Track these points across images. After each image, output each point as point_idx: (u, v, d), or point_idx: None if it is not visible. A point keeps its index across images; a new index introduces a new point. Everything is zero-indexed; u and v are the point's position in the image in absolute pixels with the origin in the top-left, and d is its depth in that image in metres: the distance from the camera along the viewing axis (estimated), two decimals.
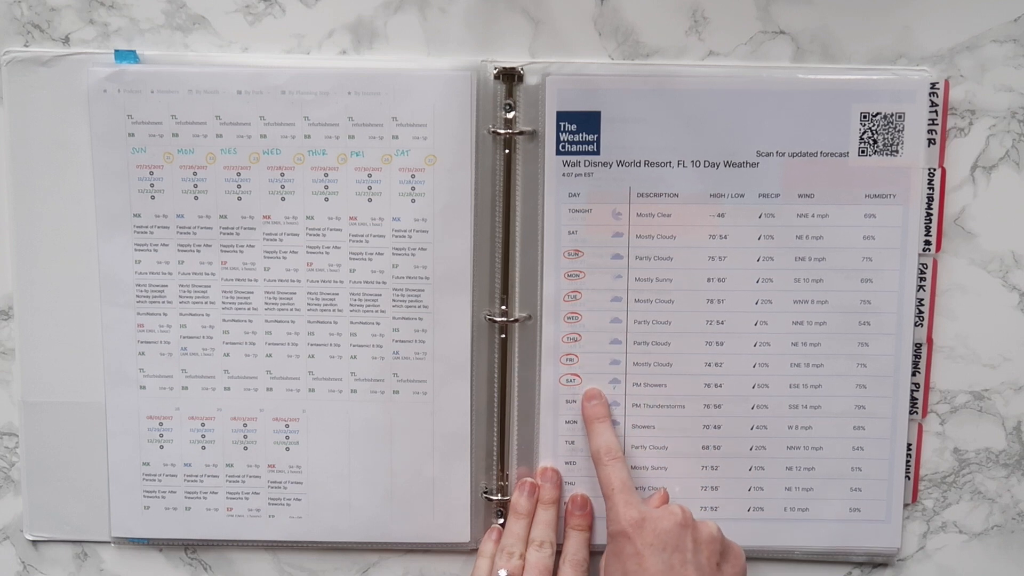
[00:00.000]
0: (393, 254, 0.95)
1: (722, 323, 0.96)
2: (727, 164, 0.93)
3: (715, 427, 0.97)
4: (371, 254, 0.95)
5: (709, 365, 0.96)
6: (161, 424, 0.99)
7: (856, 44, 0.94)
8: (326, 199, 0.95)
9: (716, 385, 0.97)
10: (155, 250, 0.96)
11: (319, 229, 0.95)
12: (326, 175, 0.95)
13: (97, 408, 0.99)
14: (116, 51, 0.94)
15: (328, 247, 0.96)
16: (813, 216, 0.94)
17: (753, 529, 0.99)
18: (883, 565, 1.00)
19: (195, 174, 0.95)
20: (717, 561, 0.89)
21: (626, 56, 0.95)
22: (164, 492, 0.99)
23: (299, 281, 0.96)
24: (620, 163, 0.94)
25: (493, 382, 0.97)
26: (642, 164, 0.94)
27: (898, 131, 0.93)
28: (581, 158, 0.94)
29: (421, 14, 0.95)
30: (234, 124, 0.94)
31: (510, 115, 0.94)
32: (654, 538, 0.88)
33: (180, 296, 0.97)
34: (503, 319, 0.96)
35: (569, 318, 0.96)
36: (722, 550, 0.90)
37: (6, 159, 0.96)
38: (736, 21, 0.95)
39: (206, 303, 0.97)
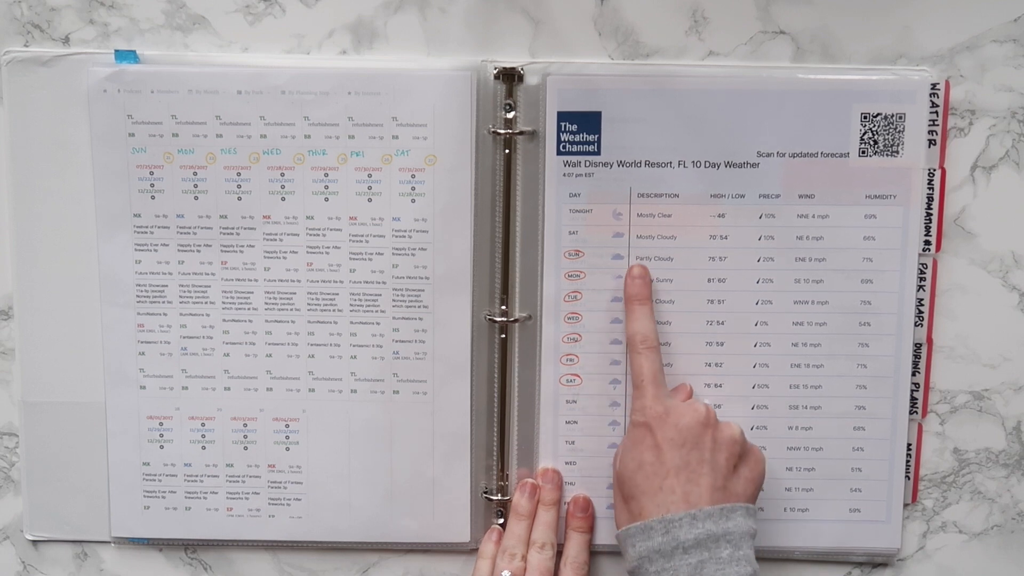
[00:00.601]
0: (393, 254, 0.95)
1: (722, 323, 0.96)
2: (727, 164, 0.93)
3: None
4: (371, 254, 0.95)
5: (709, 365, 0.96)
6: (161, 424, 0.99)
7: (856, 44, 0.94)
8: (326, 199, 0.95)
9: (716, 385, 0.97)
10: (155, 250, 0.96)
11: (319, 229, 0.95)
12: (326, 175, 0.95)
13: (97, 408, 0.99)
14: (116, 51, 0.94)
15: (328, 247, 0.96)
16: (813, 217, 0.94)
17: None
18: (883, 565, 1.00)
19: (195, 174, 0.95)
20: (735, 464, 0.89)
21: (626, 56, 0.95)
22: (164, 492, 0.99)
23: (299, 281, 0.96)
24: (621, 163, 0.94)
25: (493, 382, 0.97)
26: (643, 164, 0.94)
27: (899, 132, 0.93)
28: (582, 158, 0.94)
29: (421, 14, 0.95)
30: (234, 124, 0.94)
31: (510, 115, 0.94)
32: (675, 433, 0.87)
33: (180, 296, 0.97)
34: (503, 319, 0.96)
35: (569, 318, 0.96)
36: (741, 452, 0.90)
37: (6, 159, 0.96)
38: (736, 21, 0.95)
39: (206, 303, 0.97)
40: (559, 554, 0.97)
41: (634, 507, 0.88)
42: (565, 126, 0.93)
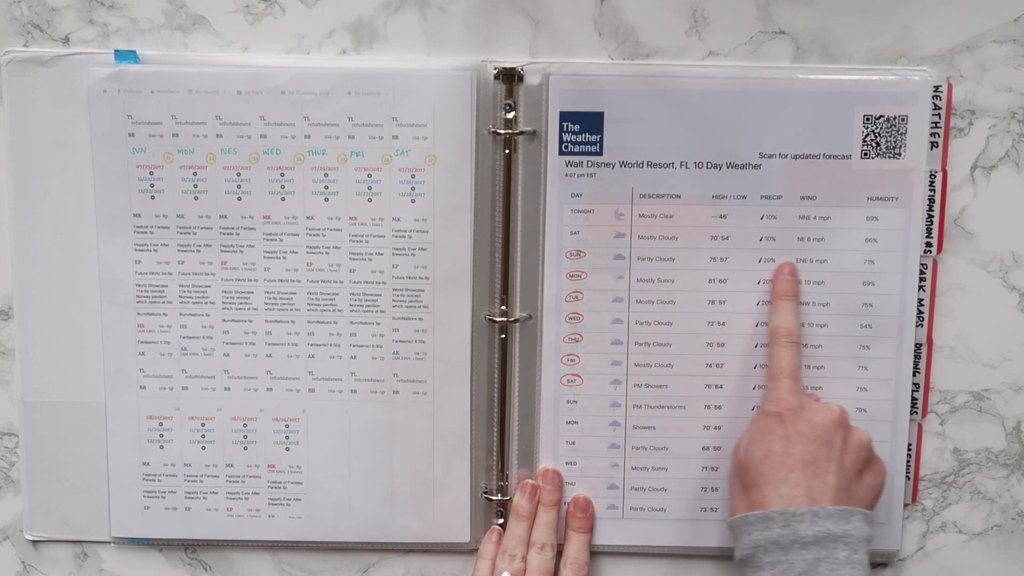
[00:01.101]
0: (393, 254, 0.95)
1: (723, 324, 0.96)
2: (729, 165, 0.93)
3: (716, 428, 0.97)
4: (371, 254, 0.95)
5: (710, 366, 0.96)
6: (161, 424, 0.99)
7: (856, 44, 0.94)
8: (326, 199, 0.95)
9: (717, 386, 0.97)
10: (155, 250, 0.96)
11: (319, 229, 0.95)
12: (326, 175, 0.95)
13: (97, 408, 0.99)
14: (116, 51, 0.94)
15: (328, 247, 0.95)
16: (815, 218, 0.94)
17: None
18: (883, 565, 1.00)
19: (195, 174, 0.95)
20: (860, 468, 0.89)
21: (626, 56, 0.95)
22: (164, 492, 0.99)
23: (299, 281, 0.96)
24: (623, 164, 0.94)
25: (493, 382, 0.97)
26: (644, 165, 0.94)
27: (901, 134, 0.93)
28: (584, 158, 0.94)
29: (421, 14, 0.95)
30: (234, 124, 0.94)
31: (510, 115, 0.94)
32: (808, 428, 0.88)
33: (180, 296, 0.97)
34: (503, 319, 0.96)
35: (571, 318, 0.96)
36: (868, 459, 0.90)
37: (6, 159, 0.95)
38: (736, 21, 0.95)
39: (206, 303, 0.97)
40: (559, 554, 0.97)
41: (755, 496, 0.88)
42: (567, 126, 0.93)
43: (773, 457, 0.88)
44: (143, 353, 0.98)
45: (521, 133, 0.94)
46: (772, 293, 0.95)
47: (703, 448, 0.98)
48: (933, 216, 0.95)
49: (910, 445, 0.98)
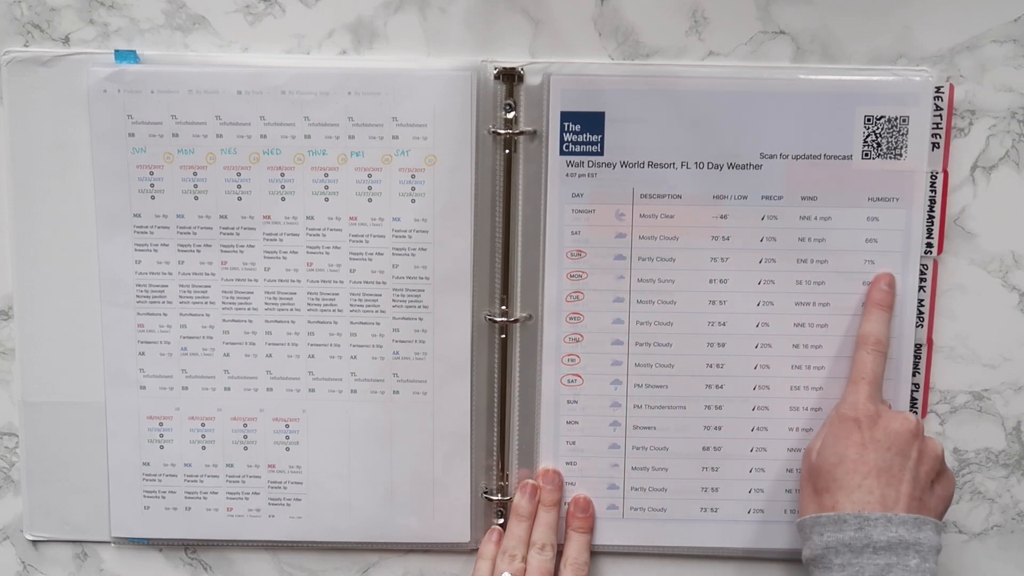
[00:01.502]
0: (393, 254, 0.95)
1: (724, 324, 0.96)
2: (730, 166, 0.93)
3: (716, 428, 0.97)
4: (371, 254, 0.95)
5: (710, 366, 0.96)
6: (161, 424, 0.98)
7: (856, 44, 0.94)
8: (326, 199, 0.95)
9: (717, 386, 0.97)
10: (155, 250, 0.96)
11: (319, 229, 0.95)
12: (326, 175, 0.95)
13: (97, 408, 0.98)
14: (116, 51, 0.94)
15: (328, 247, 0.95)
16: (816, 218, 0.94)
17: (754, 531, 0.99)
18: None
19: (195, 174, 0.95)
20: (932, 479, 0.89)
21: (626, 56, 0.95)
22: (164, 492, 0.99)
23: (299, 281, 0.96)
24: (623, 164, 0.94)
25: (493, 382, 0.97)
26: (645, 165, 0.94)
27: (902, 134, 0.93)
28: (585, 158, 0.94)
29: (421, 14, 0.95)
30: (234, 124, 0.94)
31: (510, 115, 0.94)
32: (884, 436, 0.88)
33: (180, 296, 0.97)
34: (503, 319, 0.96)
35: (571, 318, 0.96)
36: (940, 470, 0.90)
37: (6, 159, 0.95)
38: (736, 21, 0.95)
39: (206, 303, 0.97)
40: (559, 555, 0.97)
41: (827, 500, 0.88)
42: (568, 126, 0.93)
43: (847, 462, 0.88)
44: (143, 353, 0.97)
45: (521, 133, 0.94)
46: (867, 300, 0.95)
47: (703, 448, 0.98)
48: (934, 217, 0.95)
49: None
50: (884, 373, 0.94)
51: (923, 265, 0.95)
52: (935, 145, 0.94)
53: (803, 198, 0.94)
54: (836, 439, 0.89)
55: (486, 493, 0.99)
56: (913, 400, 0.97)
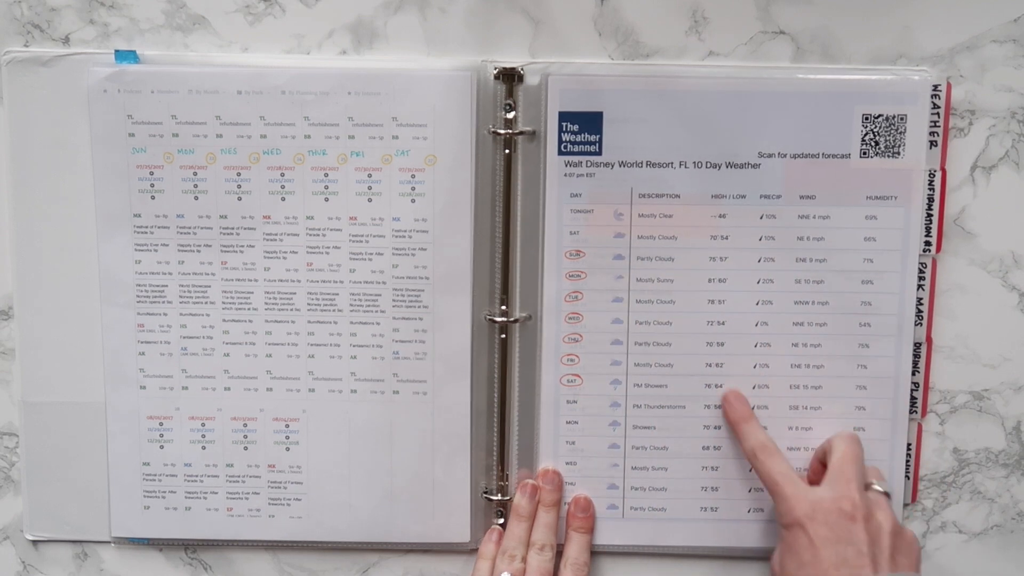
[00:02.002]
0: (393, 254, 0.95)
1: (723, 324, 0.96)
2: (728, 165, 0.93)
3: (715, 428, 0.97)
4: (371, 254, 0.95)
5: (710, 366, 0.96)
6: (161, 424, 0.99)
7: (856, 44, 0.94)
8: (326, 199, 0.95)
9: (717, 386, 0.97)
10: (155, 250, 0.96)
11: (319, 229, 0.95)
12: (326, 175, 0.95)
13: (97, 408, 0.99)
14: (116, 51, 0.94)
15: (328, 247, 0.95)
16: (814, 217, 0.94)
17: (753, 530, 0.99)
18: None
19: (195, 174, 0.95)
20: (892, 552, 0.87)
21: (626, 56, 0.95)
22: (164, 492, 0.99)
23: (299, 281, 0.96)
24: (622, 163, 0.94)
25: (493, 382, 0.97)
26: (644, 165, 0.94)
27: (900, 133, 0.93)
28: (583, 158, 0.94)
29: (421, 14, 0.95)
30: (234, 124, 0.94)
31: (510, 115, 0.94)
32: (827, 530, 0.86)
33: (180, 296, 0.97)
34: (503, 319, 0.96)
35: (570, 318, 0.96)
36: (895, 541, 0.88)
37: (6, 159, 0.95)
38: (736, 21, 0.95)
39: (206, 303, 0.97)
40: (560, 555, 0.97)
41: None
42: (566, 126, 0.93)
43: (807, 567, 0.87)
44: (143, 353, 0.98)
45: (521, 133, 0.94)
46: (729, 422, 0.96)
47: (703, 448, 0.98)
48: (932, 215, 0.95)
49: (910, 445, 0.98)
50: (790, 464, 0.92)
51: (922, 263, 0.95)
52: (933, 143, 0.94)
53: (802, 197, 0.94)
54: (789, 549, 0.88)
55: (486, 493, 0.99)
56: (913, 400, 0.97)
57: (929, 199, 0.94)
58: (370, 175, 0.94)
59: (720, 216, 0.94)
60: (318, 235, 0.95)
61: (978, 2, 0.94)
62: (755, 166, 0.93)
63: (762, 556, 0.99)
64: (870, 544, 0.86)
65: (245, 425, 0.98)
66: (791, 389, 0.96)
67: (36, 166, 0.95)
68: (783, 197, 0.94)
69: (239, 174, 0.95)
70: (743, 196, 0.94)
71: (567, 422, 0.98)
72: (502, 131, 0.93)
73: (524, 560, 0.95)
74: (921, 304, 0.96)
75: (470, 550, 1.00)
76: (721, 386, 0.97)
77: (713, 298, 0.95)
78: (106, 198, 0.95)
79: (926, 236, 0.95)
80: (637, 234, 0.95)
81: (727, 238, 0.95)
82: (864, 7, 0.94)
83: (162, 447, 0.99)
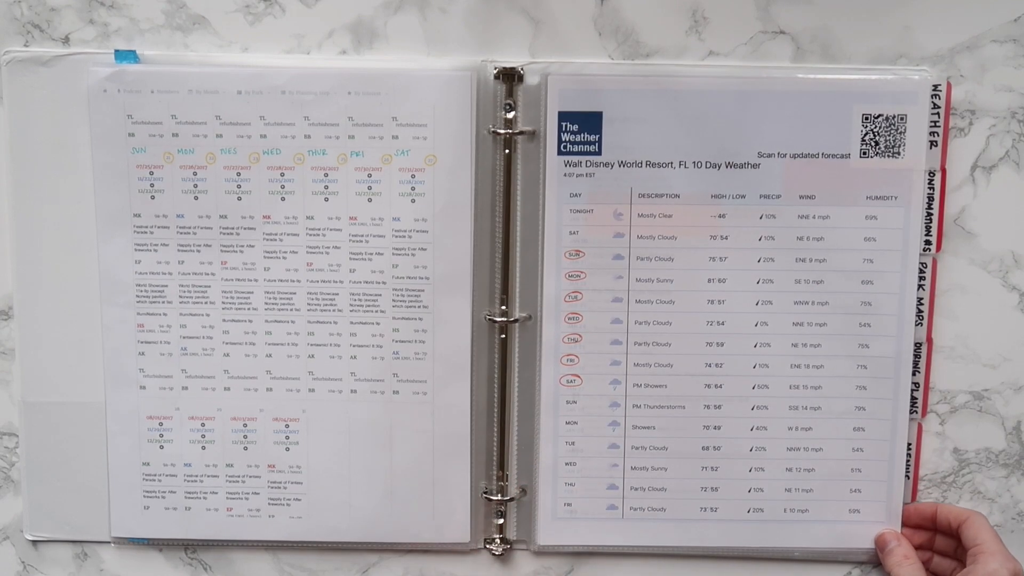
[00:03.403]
0: (393, 254, 0.95)
1: (723, 324, 0.96)
2: (728, 165, 0.93)
3: (715, 428, 0.97)
4: (371, 254, 0.95)
5: (709, 366, 0.96)
6: (161, 424, 0.99)
7: (856, 44, 0.94)
8: (326, 199, 0.95)
9: (716, 386, 0.97)
10: (155, 250, 0.96)
11: (319, 229, 0.95)
12: (326, 175, 0.95)
13: (97, 408, 0.99)
14: (116, 51, 0.94)
15: (328, 247, 0.95)
16: (814, 217, 0.94)
17: (753, 530, 0.99)
18: (882, 565, 1.00)
19: (195, 174, 0.95)
20: None
21: (626, 56, 0.95)
22: (164, 492, 0.99)
23: (299, 281, 0.96)
24: (621, 163, 0.94)
25: (493, 382, 0.97)
26: (643, 165, 0.94)
27: (900, 133, 0.93)
28: (583, 158, 0.94)
29: (421, 14, 0.95)
30: (234, 124, 0.94)
31: (510, 115, 0.94)
32: None
33: (180, 296, 0.97)
34: (503, 319, 0.96)
35: (570, 318, 0.96)
36: None
37: (6, 159, 0.95)
38: (736, 21, 0.95)
39: (206, 303, 0.97)
40: None
41: None
42: (566, 126, 0.93)
43: None
44: (143, 353, 0.98)
45: (521, 133, 0.94)
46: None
47: (703, 448, 0.98)
48: (932, 215, 0.95)
49: (910, 444, 0.98)
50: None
51: (922, 263, 0.95)
52: (933, 143, 0.94)
53: (801, 197, 0.94)
54: None
55: (486, 493, 0.99)
56: (913, 400, 0.97)
57: (929, 199, 0.94)
58: (370, 175, 0.94)
59: (720, 216, 0.94)
60: (318, 235, 0.95)
61: (978, 2, 0.94)
62: (755, 166, 0.93)
63: (762, 556, 0.99)
64: None
65: (245, 425, 0.98)
66: (791, 389, 0.96)
67: (36, 166, 0.95)
68: (783, 197, 0.94)
69: (239, 174, 0.95)
70: (743, 196, 0.94)
71: (567, 422, 0.98)
72: (502, 131, 0.93)
73: None
74: (921, 304, 0.96)
75: (470, 550, 1.00)
76: (721, 386, 0.97)
77: (713, 298, 0.95)
78: (106, 198, 0.95)
79: (926, 236, 0.95)
80: (637, 234, 0.95)
81: (727, 238, 0.95)
82: (864, 7, 0.94)
83: (162, 447, 0.99)
